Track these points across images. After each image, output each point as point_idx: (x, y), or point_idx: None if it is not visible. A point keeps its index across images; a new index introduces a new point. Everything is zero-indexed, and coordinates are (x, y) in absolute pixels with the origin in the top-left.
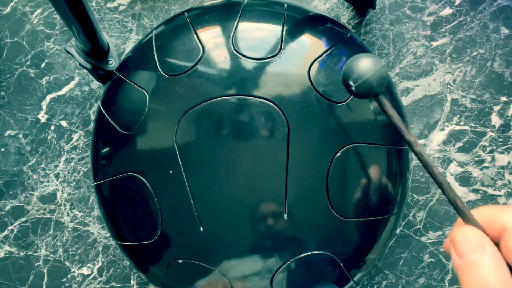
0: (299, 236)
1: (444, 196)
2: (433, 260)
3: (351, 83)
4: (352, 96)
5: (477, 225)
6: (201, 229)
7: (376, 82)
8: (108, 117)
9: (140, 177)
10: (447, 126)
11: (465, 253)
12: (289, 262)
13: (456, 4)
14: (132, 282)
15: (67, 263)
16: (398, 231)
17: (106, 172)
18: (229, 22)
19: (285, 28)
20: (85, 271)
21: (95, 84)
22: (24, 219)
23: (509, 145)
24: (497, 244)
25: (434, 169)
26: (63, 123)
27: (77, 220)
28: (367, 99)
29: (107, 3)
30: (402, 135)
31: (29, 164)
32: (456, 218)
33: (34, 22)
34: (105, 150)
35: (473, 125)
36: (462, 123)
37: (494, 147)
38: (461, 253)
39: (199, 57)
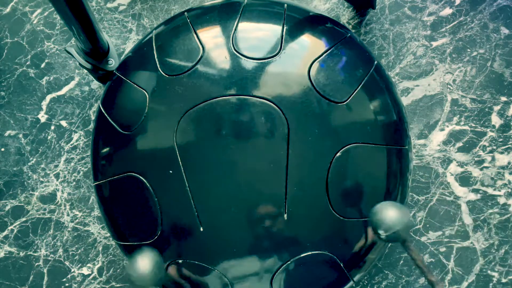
0: (299, 236)
1: (447, 198)
2: (433, 260)
3: (381, 233)
4: (352, 96)
5: None
6: (201, 229)
7: (404, 232)
8: (108, 117)
9: (140, 177)
10: (447, 126)
11: None
12: (289, 262)
13: (456, 4)
14: None
15: (67, 263)
16: None
17: (106, 172)
18: (229, 22)
19: (285, 28)
20: (85, 271)
21: (95, 84)
22: (24, 219)
23: (509, 145)
24: None
25: None
26: (63, 123)
27: (77, 220)
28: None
29: (107, 3)
30: (425, 276)
31: (29, 164)
32: (456, 219)
33: (34, 22)
34: (105, 150)
35: (473, 125)
36: (462, 123)
37: (494, 147)
38: None
39: (199, 57)
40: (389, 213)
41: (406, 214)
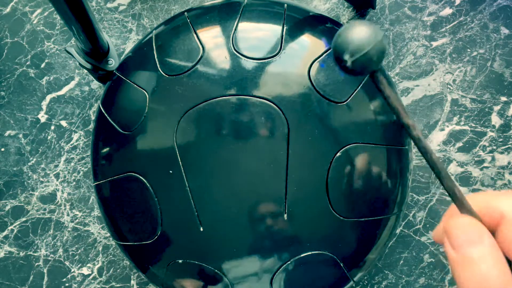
0: (299, 236)
1: (447, 198)
2: (433, 260)
3: (346, 57)
4: (352, 96)
5: (475, 215)
6: (201, 229)
7: (376, 56)
8: (108, 117)
9: (140, 177)
10: (447, 126)
11: (462, 246)
12: (289, 262)
13: (456, 4)
14: (132, 282)
15: (67, 263)
16: (398, 231)
17: (106, 172)
18: (229, 22)
19: (285, 28)
20: (85, 271)
21: (95, 84)
22: (24, 219)
23: (509, 145)
24: (493, 233)
25: (433, 156)
26: (63, 123)
27: (77, 220)
28: (362, 76)
29: (107, 3)
30: (400, 118)
31: (29, 164)
32: None
33: (34, 22)
34: (105, 150)
35: (473, 125)
36: (462, 123)
37: (494, 147)
38: (457, 246)
39: (199, 57)
40: (357, 31)
41: (379, 32)
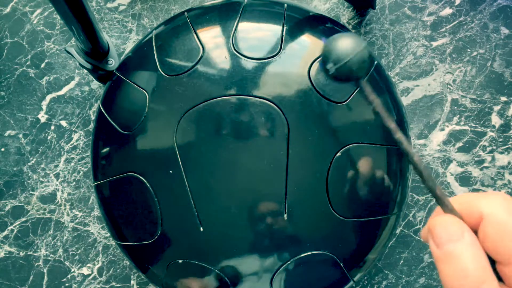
0: (299, 236)
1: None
2: (433, 260)
3: (329, 66)
4: (352, 96)
5: (456, 214)
6: (201, 229)
7: (356, 65)
8: (108, 117)
9: (140, 177)
10: (447, 126)
11: (443, 243)
12: (289, 262)
13: (456, 4)
14: (132, 282)
15: (67, 263)
16: (398, 231)
17: (106, 172)
18: (229, 22)
19: (285, 28)
20: (85, 271)
21: (95, 84)
22: (24, 219)
23: (509, 145)
24: (475, 232)
25: (415, 158)
26: (63, 123)
27: (77, 220)
28: (348, 83)
29: (107, 3)
30: (384, 122)
31: (29, 164)
32: None
33: (34, 22)
34: (105, 150)
35: (473, 125)
36: (462, 123)
37: (494, 147)
38: (439, 242)
39: (199, 57)
40: (339, 42)
41: (359, 43)
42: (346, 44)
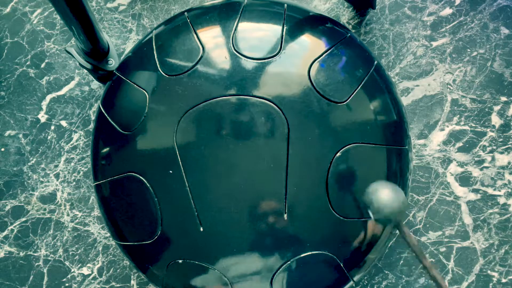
0: (299, 236)
1: (447, 198)
2: (433, 260)
3: (370, 214)
4: (352, 96)
5: None
6: (201, 229)
7: (394, 216)
8: (108, 117)
9: (140, 177)
10: (447, 126)
11: None
12: (289, 262)
13: (456, 4)
14: (132, 282)
15: (67, 263)
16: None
17: (106, 172)
18: (229, 22)
19: (285, 28)
20: (85, 271)
21: (95, 84)
22: (24, 219)
23: (509, 145)
24: None
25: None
26: (63, 123)
27: (77, 220)
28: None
29: (107, 3)
30: (420, 261)
31: (29, 164)
32: (456, 219)
33: (34, 22)
34: (105, 150)
35: (473, 125)
36: (462, 123)
37: (494, 147)
38: None
39: (199, 57)
40: (380, 195)
41: (397, 198)
42: (384, 197)
